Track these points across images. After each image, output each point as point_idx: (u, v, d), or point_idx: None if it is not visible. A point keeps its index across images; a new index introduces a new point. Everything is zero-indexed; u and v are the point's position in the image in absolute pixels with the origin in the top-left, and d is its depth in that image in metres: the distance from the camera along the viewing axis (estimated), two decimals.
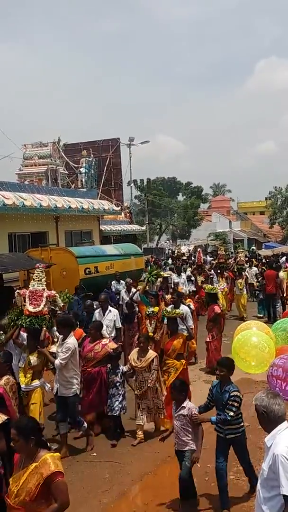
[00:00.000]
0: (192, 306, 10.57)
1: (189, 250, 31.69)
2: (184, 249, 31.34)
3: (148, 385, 6.98)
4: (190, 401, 5.78)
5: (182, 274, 15.98)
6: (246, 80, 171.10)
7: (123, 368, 7.21)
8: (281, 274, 15.27)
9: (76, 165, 26.70)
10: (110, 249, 16.66)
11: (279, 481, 3.00)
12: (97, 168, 28.86)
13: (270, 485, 3.11)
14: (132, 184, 37.76)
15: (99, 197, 25.80)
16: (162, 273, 12.13)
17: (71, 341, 6.67)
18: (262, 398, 3.27)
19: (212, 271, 17.72)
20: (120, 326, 9.33)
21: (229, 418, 5.09)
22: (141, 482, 5.97)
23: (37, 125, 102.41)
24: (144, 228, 35.61)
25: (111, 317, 9.13)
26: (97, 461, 6.43)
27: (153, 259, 26.24)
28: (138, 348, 7.27)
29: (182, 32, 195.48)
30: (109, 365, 7.23)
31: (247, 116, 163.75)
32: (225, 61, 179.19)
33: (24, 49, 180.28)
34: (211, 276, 17.09)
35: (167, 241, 51.49)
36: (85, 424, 6.82)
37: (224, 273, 16.30)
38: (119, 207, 27.66)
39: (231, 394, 5.14)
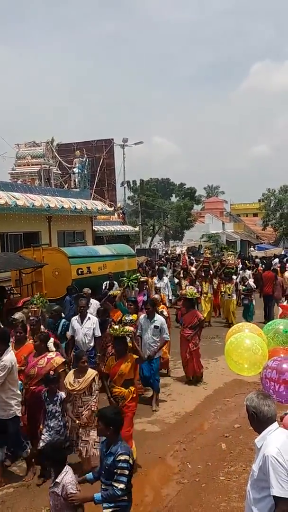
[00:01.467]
0: (165, 313, 9.98)
1: (182, 251, 31.74)
2: (177, 250, 31.35)
3: (92, 408, 5.80)
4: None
5: (164, 277, 15.28)
6: (240, 83, 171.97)
7: (62, 394, 5.88)
8: (286, 274, 16.17)
9: (69, 165, 26.60)
10: (103, 249, 16.61)
11: (269, 482, 3.00)
12: (90, 168, 28.76)
13: (260, 486, 3.10)
14: (125, 185, 37.74)
15: (92, 197, 25.72)
16: (140, 277, 11.53)
17: (7, 357, 5.86)
18: (252, 399, 3.29)
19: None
20: (99, 335, 8.56)
21: (118, 493, 3.85)
22: (132, 483, 5.93)
23: (30, 124, 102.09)
24: (137, 229, 35.56)
25: (89, 325, 8.49)
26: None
27: (147, 260, 26.29)
28: (75, 368, 6.11)
29: (177, 33, 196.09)
30: (44, 390, 5.96)
31: (241, 118, 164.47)
32: (219, 63, 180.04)
33: (19, 48, 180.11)
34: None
35: (160, 242, 51.46)
36: (28, 450, 6.03)
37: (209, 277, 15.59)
38: (112, 208, 27.60)
39: (118, 459, 3.88)
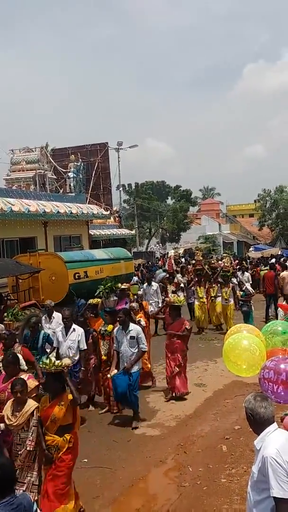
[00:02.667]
0: (143, 322, 9.24)
1: (179, 253, 31.74)
2: (173, 252, 31.32)
3: (28, 448, 4.84)
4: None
5: (152, 283, 14.31)
6: (235, 85, 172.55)
7: (1, 425, 5.09)
8: (284, 274, 15.70)
9: (64, 170, 26.62)
10: (99, 253, 16.59)
11: (269, 483, 3.00)
12: (85, 172, 28.80)
13: (260, 488, 3.10)
14: (121, 189, 37.77)
15: (88, 201, 25.74)
16: (119, 284, 10.79)
17: None
18: (250, 400, 3.31)
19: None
20: (85, 347, 7.98)
21: None
22: (132, 487, 5.91)
23: (25, 130, 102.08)
24: (133, 232, 35.62)
25: (74, 337, 7.87)
26: (87, 467, 6.36)
27: (144, 263, 26.27)
28: (13, 399, 5.05)
29: (171, 37, 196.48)
30: None
31: (236, 120, 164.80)
32: (213, 66, 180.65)
33: (13, 54, 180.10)
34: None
35: (157, 245, 51.51)
36: None
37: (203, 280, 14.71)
38: (108, 212, 27.61)
39: None
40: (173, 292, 14.26)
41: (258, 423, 3.24)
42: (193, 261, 17.92)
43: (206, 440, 7.02)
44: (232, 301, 14.23)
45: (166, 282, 15.48)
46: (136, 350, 7.69)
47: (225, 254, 17.30)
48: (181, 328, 8.91)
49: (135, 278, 18.78)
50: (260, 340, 5.77)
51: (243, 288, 14.84)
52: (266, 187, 53.19)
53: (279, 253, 31.97)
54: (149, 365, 9.58)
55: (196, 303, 14.66)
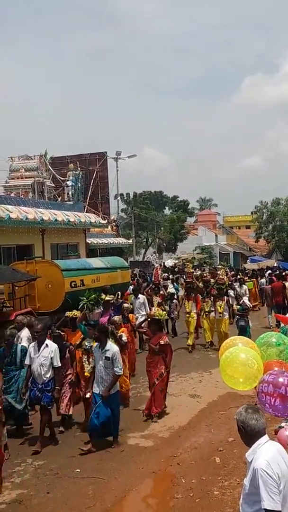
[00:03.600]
0: (124, 338, 8.74)
1: (175, 263, 31.75)
2: (170, 262, 31.31)
3: None
4: None
5: (139, 295, 13.64)
6: (231, 94, 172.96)
7: None
8: None
9: (62, 178, 26.69)
10: (96, 262, 16.61)
11: (260, 495, 3.00)
12: (84, 181, 28.87)
13: (252, 500, 3.10)
14: (118, 198, 37.90)
15: (85, 210, 25.78)
16: (103, 296, 10.20)
17: None
18: (241, 412, 3.32)
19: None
20: (58, 365, 7.50)
21: None
22: (125, 498, 5.89)
23: (22, 137, 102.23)
24: (130, 241, 35.63)
25: (46, 354, 7.36)
26: (80, 477, 6.33)
27: (140, 273, 26.24)
28: None
29: (167, 45, 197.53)
30: None
31: (233, 131, 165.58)
32: (210, 75, 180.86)
33: (7, 60, 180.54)
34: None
35: (154, 255, 51.53)
36: None
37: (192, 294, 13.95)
38: (106, 221, 27.66)
39: None
40: (159, 304, 13.97)
41: (249, 435, 3.25)
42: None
43: (199, 452, 7.01)
44: (227, 315, 13.56)
45: (151, 294, 14.78)
46: (111, 372, 7.13)
47: (220, 266, 16.43)
48: (158, 341, 8.42)
49: (131, 288, 18.76)
50: (257, 352, 5.78)
51: (240, 302, 14.11)
52: (263, 198, 53.62)
53: (275, 265, 32.11)
54: (127, 383, 8.97)
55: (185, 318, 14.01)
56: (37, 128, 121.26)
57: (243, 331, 12.21)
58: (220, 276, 14.08)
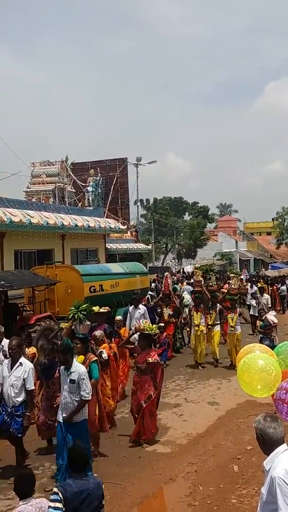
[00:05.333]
0: (105, 355, 7.70)
1: (194, 270, 31.49)
2: (189, 268, 31.09)
3: None
4: None
5: (140, 306, 12.28)
6: (255, 100, 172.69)
7: None
8: None
9: (83, 184, 26.92)
10: (115, 267, 16.65)
11: (277, 504, 2.97)
12: (104, 187, 29.09)
13: (269, 509, 3.08)
14: (138, 203, 38.01)
15: (105, 215, 25.92)
16: (97, 308, 9.06)
17: None
18: (259, 421, 3.31)
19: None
20: (31, 388, 6.59)
21: None
22: (142, 504, 5.87)
23: (45, 143, 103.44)
24: (150, 247, 35.65)
25: (19, 373, 6.53)
26: None
27: (158, 278, 26.22)
28: None
29: (191, 51, 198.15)
30: None
31: (254, 136, 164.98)
32: (234, 80, 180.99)
33: (34, 65, 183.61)
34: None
35: (173, 260, 51.49)
36: None
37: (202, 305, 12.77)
38: (126, 226, 27.75)
39: None
40: (169, 316, 13.27)
41: (267, 444, 3.23)
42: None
43: (217, 459, 6.96)
44: (239, 330, 12.36)
45: (162, 305, 13.71)
46: (77, 397, 6.03)
47: (232, 274, 14.26)
48: (145, 357, 7.61)
49: (150, 293, 18.74)
50: (276, 360, 5.72)
51: (263, 318, 11.84)
52: (284, 204, 53.06)
53: None
54: (110, 403, 7.87)
55: (192, 331, 12.81)
56: (61, 132, 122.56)
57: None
58: (233, 286, 12.85)
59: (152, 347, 7.97)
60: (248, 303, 17.14)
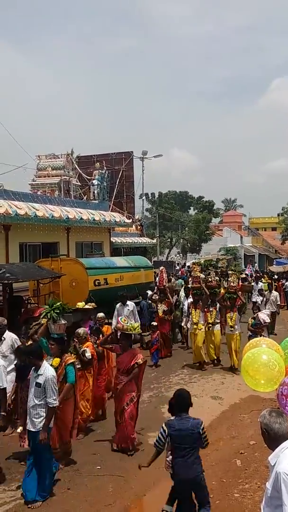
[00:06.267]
0: (88, 354, 7.48)
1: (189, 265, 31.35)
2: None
3: None
4: None
5: (128, 303, 11.78)
6: (259, 97, 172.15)
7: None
8: None
9: (89, 177, 26.91)
10: (120, 261, 16.66)
11: (282, 499, 2.97)
12: (109, 180, 29.07)
13: (274, 504, 3.07)
14: (144, 197, 37.98)
15: (110, 209, 25.93)
16: (82, 304, 8.74)
17: None
18: (264, 416, 3.31)
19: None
20: (3, 386, 6.09)
21: None
22: (145, 497, 5.89)
23: (51, 136, 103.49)
24: (154, 241, 35.64)
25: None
26: (101, 475, 6.36)
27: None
28: None
29: (194, 48, 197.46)
30: None
31: (260, 132, 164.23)
32: (238, 77, 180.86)
33: (39, 61, 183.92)
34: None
35: (178, 255, 51.44)
36: None
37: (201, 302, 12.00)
38: (130, 220, 27.76)
39: None
40: (164, 312, 12.76)
41: (272, 439, 3.23)
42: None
43: (220, 454, 6.96)
44: (238, 329, 11.61)
45: (156, 300, 13.12)
46: (42, 402, 5.69)
47: (230, 272, 13.34)
48: (130, 362, 7.13)
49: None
50: (280, 355, 5.71)
51: (255, 316, 11.15)
52: None
53: None
54: (88, 409, 7.64)
55: (192, 330, 12.21)
56: (66, 126, 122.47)
57: None
58: (231, 284, 11.88)
59: (132, 346, 7.49)
60: (254, 300, 17.01)
